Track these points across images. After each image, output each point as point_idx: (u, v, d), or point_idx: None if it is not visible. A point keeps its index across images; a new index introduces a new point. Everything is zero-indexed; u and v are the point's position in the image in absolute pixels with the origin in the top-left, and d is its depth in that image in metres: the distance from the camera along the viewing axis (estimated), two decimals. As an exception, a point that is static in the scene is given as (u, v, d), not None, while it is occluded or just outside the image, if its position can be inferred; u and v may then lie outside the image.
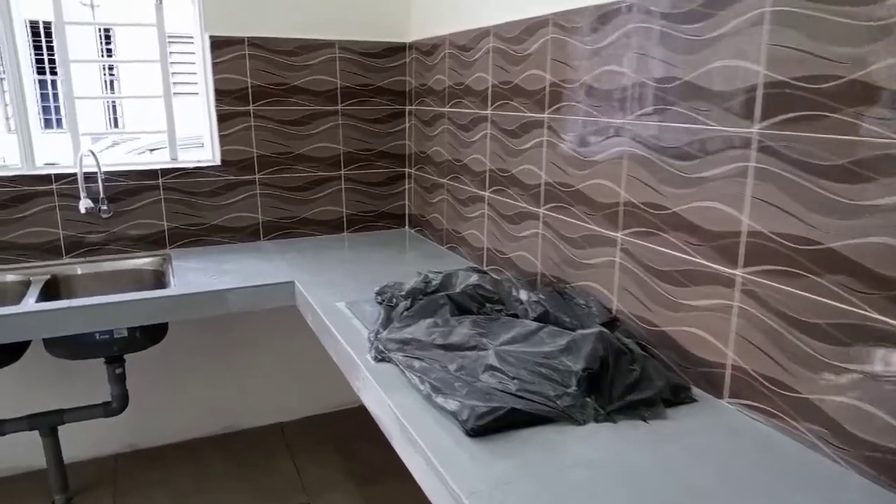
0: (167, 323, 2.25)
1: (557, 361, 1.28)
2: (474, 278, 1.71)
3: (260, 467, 2.63)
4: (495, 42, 2.03)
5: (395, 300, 1.71)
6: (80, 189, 2.27)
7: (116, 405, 2.28)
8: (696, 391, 1.35)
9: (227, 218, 2.61)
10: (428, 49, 2.52)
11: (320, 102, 2.64)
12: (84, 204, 2.25)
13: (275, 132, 2.60)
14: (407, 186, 2.87)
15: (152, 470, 2.57)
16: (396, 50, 2.71)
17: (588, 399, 1.23)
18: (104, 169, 2.33)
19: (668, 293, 1.41)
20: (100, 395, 2.30)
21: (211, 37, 2.42)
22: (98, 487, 2.46)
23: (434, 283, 1.74)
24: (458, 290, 1.67)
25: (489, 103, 2.10)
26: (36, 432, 2.25)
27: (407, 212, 2.91)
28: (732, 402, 1.29)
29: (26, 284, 2.21)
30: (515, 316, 1.58)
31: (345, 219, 2.82)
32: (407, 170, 2.86)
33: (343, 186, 2.77)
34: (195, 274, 2.20)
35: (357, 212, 2.83)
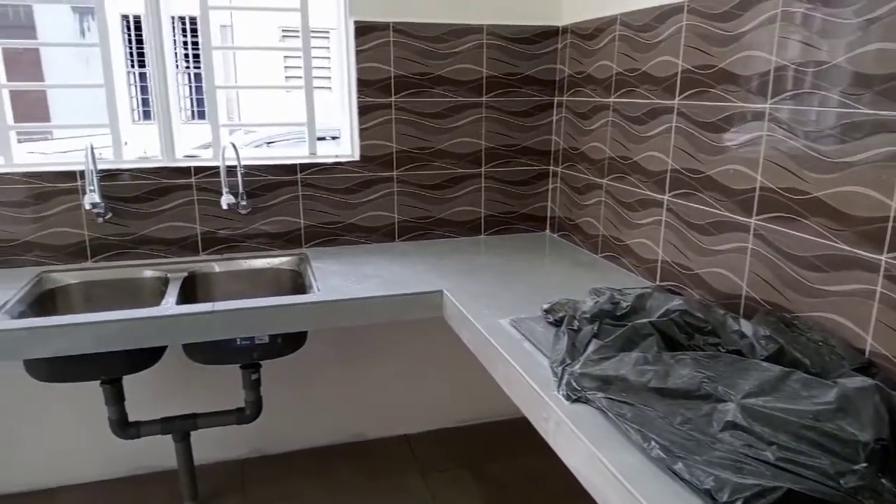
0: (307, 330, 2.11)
1: (833, 426, 0.99)
2: (677, 302, 1.43)
3: (389, 482, 2.46)
4: (691, 19, 1.73)
5: (576, 323, 1.46)
6: (223, 183, 2.16)
7: (250, 412, 2.16)
8: None
9: (363, 217, 2.45)
10: (589, 32, 2.24)
11: (464, 93, 2.43)
12: (226, 199, 2.15)
13: (415, 126, 2.41)
14: (551, 186, 2.61)
15: (280, 478, 2.46)
16: (548, 34, 2.45)
17: (883, 480, 0.93)
18: (243, 163, 2.23)
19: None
20: (232, 400, 2.20)
21: (356, 22, 2.25)
22: (227, 494, 2.37)
23: (624, 304, 1.47)
24: (658, 315, 1.39)
25: (677, 92, 1.80)
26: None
27: (549, 214, 2.65)
28: None
29: (164, 282, 2.13)
30: (738, 353, 1.28)
31: (482, 220, 2.59)
32: (552, 168, 2.59)
33: (483, 185, 2.55)
34: (337, 278, 2.04)
35: (495, 213, 2.60)
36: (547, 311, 1.61)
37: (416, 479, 2.49)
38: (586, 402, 1.21)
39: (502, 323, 1.63)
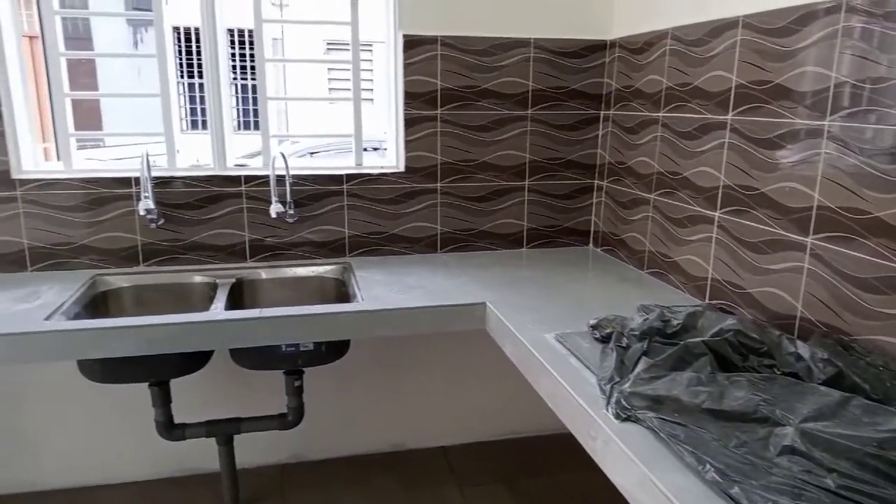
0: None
1: (899, 455, 0.95)
2: (730, 321, 1.40)
3: (425, 493, 2.46)
4: (746, 34, 1.70)
5: (625, 340, 1.43)
6: (272, 192, 2.21)
7: (292, 418, 2.19)
8: None
9: (406, 227, 2.46)
10: (638, 46, 2.22)
11: (509, 106, 2.43)
12: (275, 208, 2.19)
13: (460, 138, 2.42)
14: (595, 200, 2.59)
15: (319, 484, 2.48)
16: (595, 48, 2.44)
17: (954, 516, 0.89)
18: (292, 172, 2.27)
19: None
20: (274, 406, 2.23)
21: (405, 36, 2.27)
22: (267, 498, 2.40)
23: (675, 322, 1.44)
24: (711, 335, 1.36)
25: (730, 107, 1.77)
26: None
27: (593, 228, 2.62)
28: None
29: (213, 287, 2.18)
30: (795, 376, 1.25)
31: (525, 233, 2.58)
32: (597, 182, 2.57)
33: (526, 198, 2.54)
34: (381, 288, 2.06)
35: (538, 226, 2.59)
36: (593, 327, 1.59)
37: (452, 492, 2.48)
38: (636, 421, 1.19)
39: (547, 337, 1.62)
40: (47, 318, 1.75)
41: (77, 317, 1.90)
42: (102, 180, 2.18)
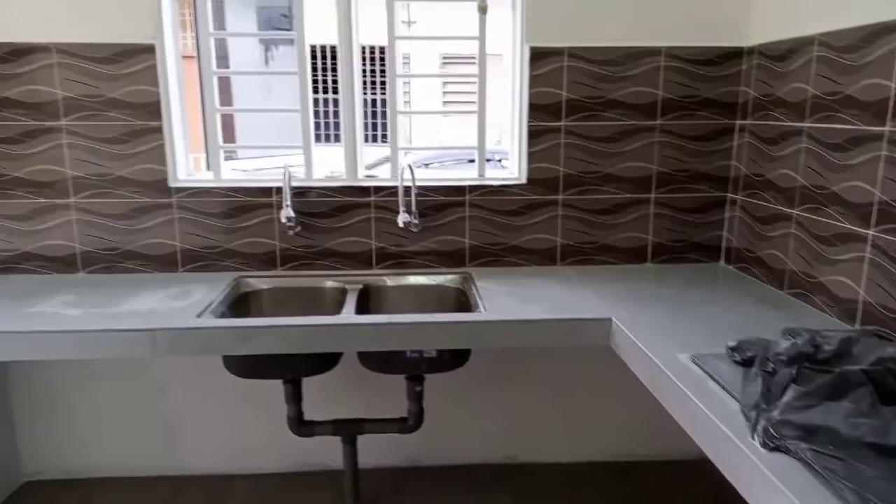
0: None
1: None
2: (892, 350, 1.28)
3: (540, 509, 2.43)
4: (912, 38, 1.56)
5: (770, 365, 1.35)
6: (400, 203, 2.28)
7: (412, 422, 2.24)
8: None
9: (526, 239, 2.46)
10: (780, 53, 2.10)
11: (637, 117, 2.37)
12: (402, 218, 2.26)
13: (584, 149, 2.39)
14: (728, 215, 2.46)
15: (434, 490, 2.52)
16: (731, 55, 2.33)
17: None
18: (417, 183, 2.33)
19: None
20: (395, 410, 2.29)
21: (531, 48, 2.28)
22: (385, 499, 2.47)
23: (827, 348, 1.34)
24: (870, 363, 1.25)
25: (888, 118, 1.63)
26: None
27: (724, 244, 2.49)
28: None
29: (342, 292, 2.27)
30: (972, 414, 1.12)
31: (650, 247, 2.50)
32: (730, 195, 2.44)
33: (652, 211, 2.46)
34: (503, 298, 2.07)
35: (664, 240, 2.49)
36: (733, 349, 1.51)
37: (567, 509, 2.44)
38: (786, 451, 1.11)
39: (681, 358, 1.56)
40: (198, 316, 1.91)
41: (223, 315, 2.05)
42: (247, 189, 2.34)
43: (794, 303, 2.01)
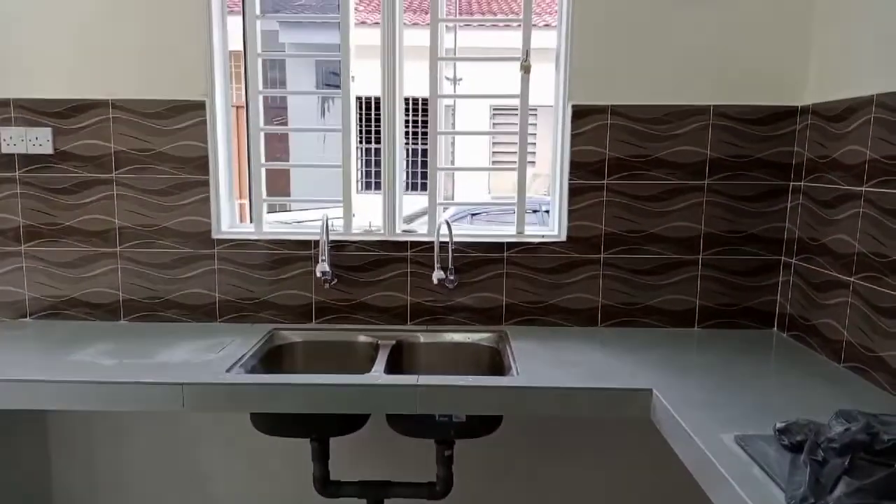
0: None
1: None
2: (963, 445, 1.15)
3: (575, 589, 2.28)
4: (979, 101, 1.46)
5: (820, 453, 1.23)
6: (435, 259, 2.26)
7: (440, 488, 2.15)
8: None
9: (564, 298, 2.39)
10: (837, 114, 2.01)
11: (683, 176, 2.29)
12: (437, 274, 2.23)
13: (627, 208, 2.32)
14: (782, 279, 2.33)
15: (463, 560, 2.40)
16: (784, 115, 2.24)
17: None
18: (455, 239, 2.30)
19: None
20: (423, 473, 2.21)
21: (573, 106, 2.26)
22: (411, 567, 2.36)
23: (885, 438, 1.21)
24: (936, 459, 1.12)
25: (956, 184, 1.52)
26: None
27: (778, 310, 2.36)
28: None
29: (375, 347, 2.24)
30: None
31: (696, 311, 2.39)
32: (784, 259, 2.32)
33: (699, 273, 2.36)
34: (537, 361, 1.99)
35: (712, 304, 2.37)
36: (781, 432, 1.39)
37: (606, 590, 2.27)
38: (838, 558, 1.00)
39: (724, 439, 1.44)
40: (228, 370, 1.90)
41: (254, 370, 2.04)
42: (286, 242, 2.37)
43: (851, 378, 1.86)
